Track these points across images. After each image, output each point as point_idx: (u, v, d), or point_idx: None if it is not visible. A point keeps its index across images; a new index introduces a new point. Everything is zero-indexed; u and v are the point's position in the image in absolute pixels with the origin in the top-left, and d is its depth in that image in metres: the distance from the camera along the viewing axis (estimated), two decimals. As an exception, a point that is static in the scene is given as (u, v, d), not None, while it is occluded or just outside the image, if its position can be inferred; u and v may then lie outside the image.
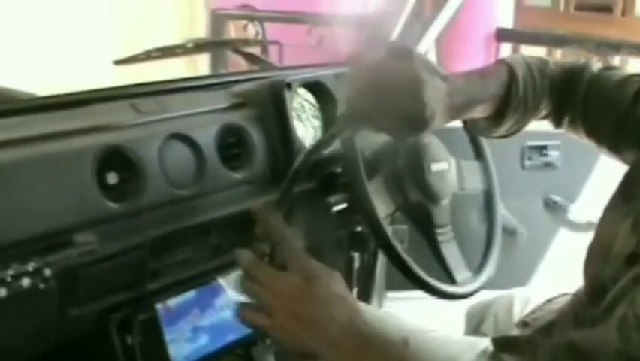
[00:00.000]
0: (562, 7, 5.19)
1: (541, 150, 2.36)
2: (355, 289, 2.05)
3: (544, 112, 1.30)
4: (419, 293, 1.44)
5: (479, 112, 1.22)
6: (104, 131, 1.25)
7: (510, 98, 1.23)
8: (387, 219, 1.45)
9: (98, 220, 1.18)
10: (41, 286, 1.08)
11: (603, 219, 1.11)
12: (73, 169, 1.16)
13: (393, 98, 1.04)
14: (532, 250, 2.44)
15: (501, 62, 1.27)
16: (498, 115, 1.25)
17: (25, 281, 1.06)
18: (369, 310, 1.41)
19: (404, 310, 2.09)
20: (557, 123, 1.32)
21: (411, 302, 2.07)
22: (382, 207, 1.41)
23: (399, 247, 1.39)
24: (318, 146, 1.16)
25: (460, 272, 1.52)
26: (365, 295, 2.12)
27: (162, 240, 1.28)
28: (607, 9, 5.02)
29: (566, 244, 2.45)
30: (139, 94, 1.42)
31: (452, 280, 1.49)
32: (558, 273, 2.36)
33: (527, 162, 2.36)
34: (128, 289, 1.28)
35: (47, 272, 1.08)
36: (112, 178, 1.21)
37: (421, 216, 1.51)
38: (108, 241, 1.18)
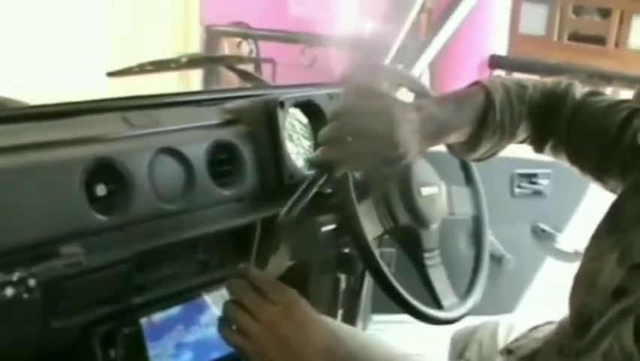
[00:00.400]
0: (555, 36, 5.23)
1: (531, 177, 2.37)
2: (340, 311, 2.05)
3: (522, 136, 1.29)
4: (405, 317, 1.43)
5: (455, 137, 1.22)
6: (94, 142, 1.24)
7: (486, 123, 1.23)
8: (375, 242, 1.44)
9: (85, 232, 1.17)
10: (25, 296, 1.07)
11: (589, 248, 1.11)
12: (61, 180, 1.15)
13: (367, 141, 1.05)
14: (519, 277, 2.44)
15: (478, 84, 1.26)
16: (474, 139, 1.25)
17: (9, 291, 1.04)
18: (353, 336, 1.41)
19: (389, 334, 2.09)
20: (538, 148, 1.32)
21: (396, 326, 2.07)
22: (371, 229, 1.40)
23: (387, 269, 1.38)
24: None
25: (447, 297, 1.51)
26: (350, 318, 2.11)
27: (149, 254, 1.27)
28: (600, 40, 5.06)
29: (553, 273, 2.46)
30: (131, 107, 1.41)
31: (438, 305, 1.49)
32: (544, 301, 2.38)
33: (517, 190, 2.36)
34: (113, 302, 1.27)
35: (32, 282, 1.07)
36: (100, 190, 1.20)
37: (409, 240, 1.51)
38: (94, 254, 1.17)
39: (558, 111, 1.26)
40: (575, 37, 5.22)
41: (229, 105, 1.55)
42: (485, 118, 1.23)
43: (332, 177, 1.11)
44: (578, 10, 5.34)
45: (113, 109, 1.38)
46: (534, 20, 5.17)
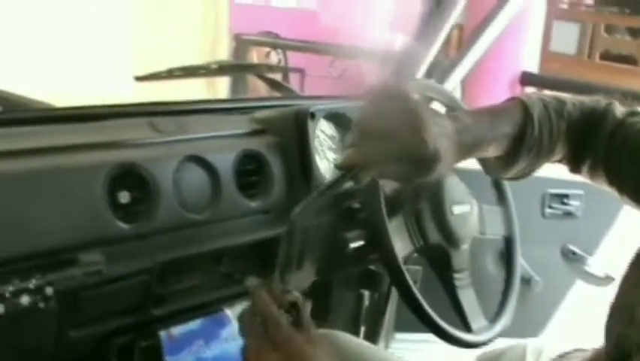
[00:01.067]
0: (586, 55, 5.19)
1: (562, 198, 2.32)
2: (363, 328, 2.01)
3: (559, 155, 1.24)
4: (427, 336, 1.40)
5: (491, 151, 1.17)
6: (119, 147, 1.22)
7: (524, 139, 1.18)
8: (402, 260, 1.40)
9: (106, 240, 1.14)
10: (41, 305, 1.04)
11: (627, 276, 1.06)
12: (83, 185, 1.12)
13: (393, 141, 1.00)
14: (547, 300, 2.39)
15: (516, 99, 1.22)
16: (510, 155, 1.19)
17: (25, 299, 1.02)
18: None
19: (412, 353, 2.04)
20: (575, 168, 1.27)
21: (419, 345, 2.03)
22: (401, 247, 1.37)
23: (416, 290, 1.34)
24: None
25: (476, 320, 1.47)
26: (373, 335, 2.07)
27: (171, 265, 1.25)
28: (632, 60, 5.01)
29: (582, 297, 2.40)
30: (158, 112, 1.39)
31: (467, 328, 1.45)
32: (572, 326, 2.35)
33: (548, 210, 2.31)
34: (132, 313, 1.24)
35: (49, 291, 1.04)
36: (124, 197, 1.18)
37: (439, 259, 1.47)
38: (114, 263, 1.14)
39: (597, 130, 1.22)
40: (606, 56, 5.17)
41: (258, 115, 1.53)
42: (523, 133, 1.18)
43: (358, 181, 1.07)
44: (609, 30, 5.29)
45: (139, 114, 1.36)
46: (565, 38, 5.14)
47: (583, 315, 2.35)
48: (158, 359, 1.31)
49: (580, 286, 2.41)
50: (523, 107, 1.19)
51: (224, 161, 1.33)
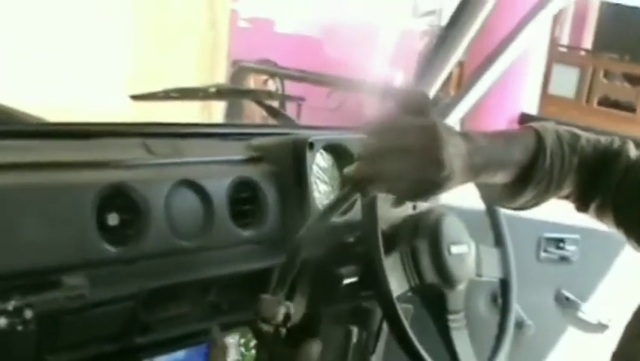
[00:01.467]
0: (584, 100, 5.20)
1: (558, 242, 2.28)
2: (350, 365, 1.97)
3: (567, 190, 1.20)
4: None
5: (500, 177, 1.12)
6: (110, 167, 1.18)
7: (534, 168, 1.13)
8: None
9: (92, 263, 1.10)
10: (19, 328, 0.99)
11: (629, 327, 1.04)
12: (71, 204, 1.08)
13: (409, 157, 0.97)
14: (539, 345, 2.34)
15: (529, 128, 1.18)
16: (519, 184, 1.15)
17: (2, 321, 0.97)
18: None
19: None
20: (582, 206, 1.23)
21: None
22: (396, 285, 1.34)
23: (410, 331, 1.32)
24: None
25: None
26: (360, 371, 2.04)
27: (158, 292, 1.20)
28: (630, 108, 5.02)
29: (574, 344, 2.36)
30: (153, 134, 1.36)
31: (459, 369, 1.42)
32: None
33: (543, 254, 2.27)
34: (115, 340, 1.20)
35: (28, 313, 0.99)
36: (113, 219, 1.13)
37: (434, 300, 1.44)
38: (99, 287, 1.09)
39: (610, 168, 1.18)
40: (604, 102, 5.19)
41: (255, 142, 1.49)
42: (534, 162, 1.13)
43: (366, 195, 1.04)
44: (608, 75, 5.30)
45: (133, 134, 1.33)
46: (564, 82, 5.14)
47: (574, 362, 2.33)
48: (140, 389, 1.27)
49: (572, 333, 2.36)
50: (536, 135, 1.15)
51: (219, 187, 1.30)
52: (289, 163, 1.43)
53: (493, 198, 1.24)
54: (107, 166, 1.18)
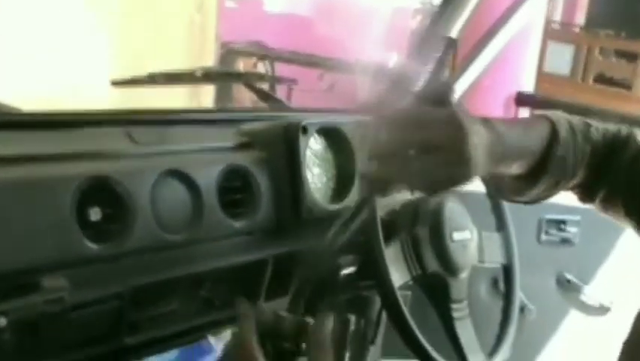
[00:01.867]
0: (580, 77, 5.18)
1: (559, 224, 2.27)
2: (348, 354, 1.94)
3: (576, 181, 1.16)
4: (415, 362, 1.34)
5: (515, 168, 1.09)
6: (91, 159, 1.12)
7: (549, 158, 1.10)
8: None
9: (73, 262, 1.03)
10: (-7, 337, 0.94)
11: None
12: (49, 199, 1.02)
13: (433, 151, 0.93)
14: (541, 329, 2.34)
15: (542, 117, 1.14)
16: (533, 175, 1.11)
17: (-28, 331, 0.91)
18: None
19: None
20: (588, 196, 1.20)
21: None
22: (397, 276, 1.30)
23: (412, 321, 1.28)
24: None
25: (473, 353, 1.42)
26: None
27: (146, 289, 1.15)
28: (626, 85, 5.00)
29: (576, 327, 2.36)
30: (136, 121, 1.30)
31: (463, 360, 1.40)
32: (566, 356, 2.32)
33: (544, 237, 2.26)
34: (102, 343, 1.14)
35: (2, 322, 0.93)
36: (95, 214, 1.07)
37: (436, 289, 1.41)
38: (82, 288, 1.03)
39: (618, 158, 1.15)
40: (600, 79, 5.16)
41: (245, 127, 1.43)
42: (549, 152, 1.10)
43: (385, 197, 1.00)
44: (603, 52, 5.28)
45: (115, 122, 1.26)
46: (559, 60, 5.12)
47: (577, 345, 2.30)
48: (131, 393, 1.22)
49: (574, 315, 2.36)
50: (550, 123, 1.12)
51: (207, 176, 1.24)
52: (282, 149, 1.38)
53: (501, 192, 1.21)
54: (88, 158, 1.12)
